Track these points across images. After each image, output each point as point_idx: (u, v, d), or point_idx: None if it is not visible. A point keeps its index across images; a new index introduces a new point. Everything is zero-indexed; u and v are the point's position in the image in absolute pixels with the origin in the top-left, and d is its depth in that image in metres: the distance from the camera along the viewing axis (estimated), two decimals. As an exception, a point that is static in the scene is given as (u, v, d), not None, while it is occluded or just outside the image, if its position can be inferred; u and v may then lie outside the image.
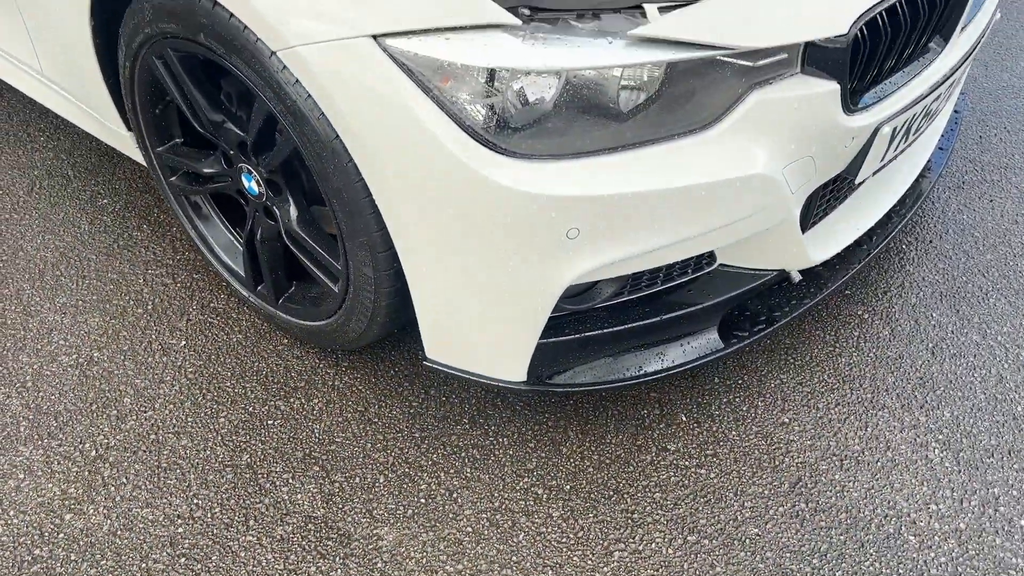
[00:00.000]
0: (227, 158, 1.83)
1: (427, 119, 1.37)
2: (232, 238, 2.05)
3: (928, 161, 2.21)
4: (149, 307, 2.10)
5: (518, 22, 1.33)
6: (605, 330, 1.68)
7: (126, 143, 2.12)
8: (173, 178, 2.00)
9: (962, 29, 1.81)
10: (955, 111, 2.41)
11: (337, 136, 1.46)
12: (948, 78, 1.79)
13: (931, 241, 2.30)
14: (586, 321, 1.69)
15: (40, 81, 2.23)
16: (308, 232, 1.77)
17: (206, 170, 1.89)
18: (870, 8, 1.51)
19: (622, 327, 1.69)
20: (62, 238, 2.27)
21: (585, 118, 1.42)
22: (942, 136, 2.30)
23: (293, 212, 1.77)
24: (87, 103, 2.11)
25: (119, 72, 1.87)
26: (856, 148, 1.67)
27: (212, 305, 2.11)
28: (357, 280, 1.67)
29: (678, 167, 1.46)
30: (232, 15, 1.47)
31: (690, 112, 1.47)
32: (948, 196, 2.44)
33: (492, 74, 1.35)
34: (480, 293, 1.55)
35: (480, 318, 1.59)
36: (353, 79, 1.38)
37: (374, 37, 1.35)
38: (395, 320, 1.74)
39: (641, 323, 1.70)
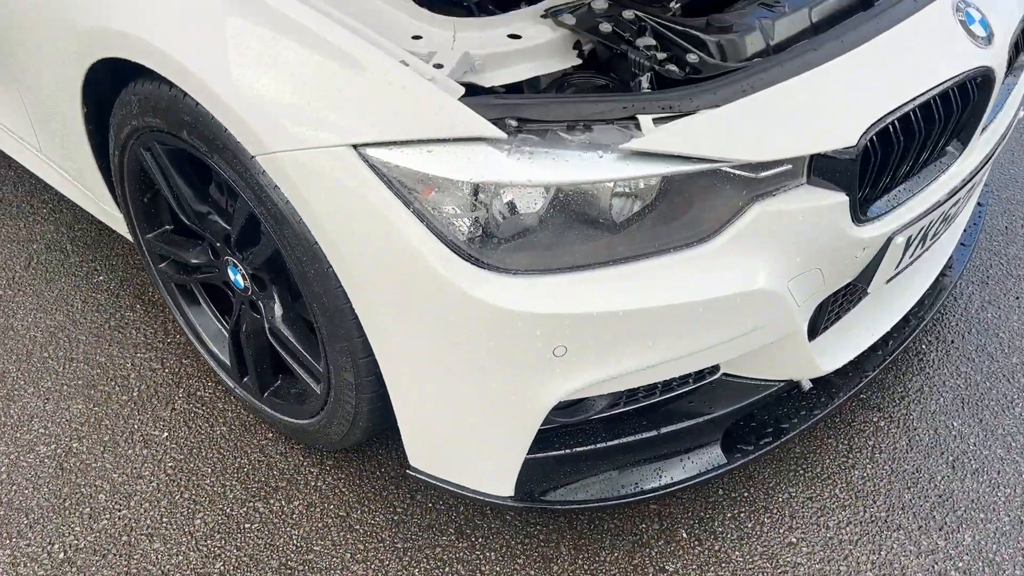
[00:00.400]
0: (214, 249, 1.78)
1: (407, 231, 1.30)
2: (220, 327, 1.99)
3: (949, 258, 2.11)
4: (135, 394, 2.04)
5: (503, 135, 1.27)
6: (599, 445, 1.59)
7: (120, 224, 2.08)
8: (162, 265, 1.95)
9: (982, 130, 1.73)
10: (978, 203, 2.32)
11: (317, 242, 1.40)
12: (968, 182, 1.70)
13: (952, 341, 2.18)
14: (579, 435, 1.59)
15: (39, 157, 2.21)
16: (292, 331, 1.71)
17: (193, 260, 1.84)
18: (881, 118, 1.43)
19: (617, 442, 1.60)
20: (54, 316, 2.23)
21: (574, 231, 1.35)
22: (964, 231, 2.20)
23: (278, 310, 1.70)
24: (82, 183, 2.09)
25: (110, 158, 1.83)
26: (867, 258, 1.58)
27: (199, 394, 2.04)
28: (338, 384, 1.60)
29: (674, 283, 1.38)
30: (214, 116, 1.42)
31: (687, 224, 1.39)
32: (972, 291, 2.32)
33: (476, 187, 1.28)
34: (462, 407, 1.46)
35: (463, 431, 1.51)
36: (333, 187, 1.33)
37: (355, 146, 1.30)
38: (378, 424, 1.66)
39: (638, 437, 1.61)
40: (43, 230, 2.50)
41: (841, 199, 1.44)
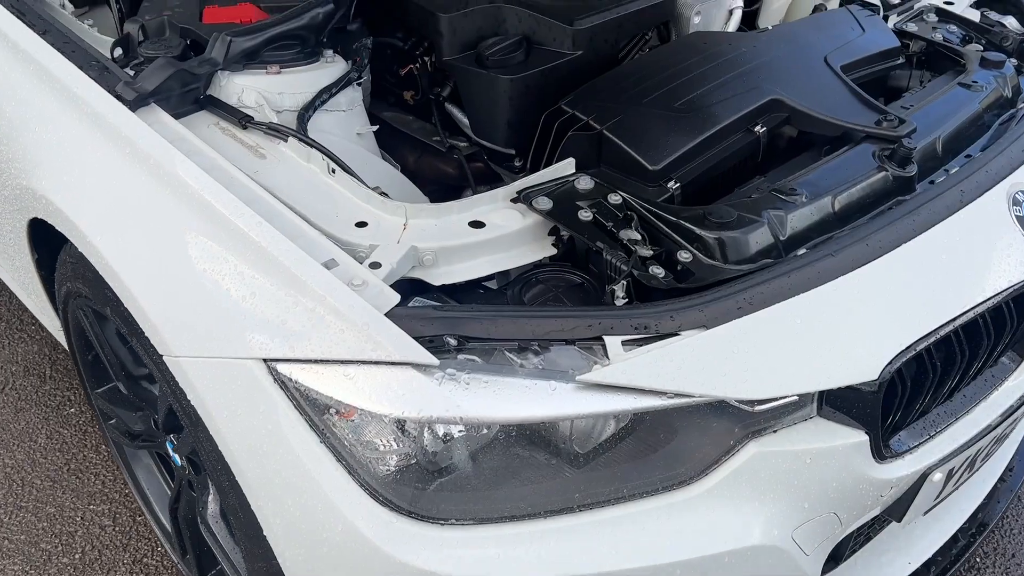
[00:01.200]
0: (154, 419, 1.60)
1: (317, 471, 1.08)
2: (168, 491, 1.80)
3: (1010, 462, 1.80)
4: (77, 556, 1.85)
5: (434, 361, 1.05)
6: None
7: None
8: (111, 422, 1.79)
9: (1046, 334, 1.45)
10: (1048, 386, 2.00)
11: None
12: (1027, 399, 1.42)
13: (1013, 555, 1.85)
14: None
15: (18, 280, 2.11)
16: (223, 530, 1.50)
17: (135, 427, 1.66)
18: (911, 345, 1.18)
19: None
20: (14, 455, 2.08)
21: (522, 471, 1.12)
22: (1029, 424, 1.88)
23: (211, 505, 1.50)
24: (46, 317, 1.96)
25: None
26: (896, 495, 1.31)
27: (145, 560, 1.85)
28: (262, 604, 1.38)
29: (646, 538, 1.13)
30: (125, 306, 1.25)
31: (664, 463, 1.15)
32: (1038, 489, 1.99)
33: (400, 421, 1.07)
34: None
35: None
36: (237, 404, 1.13)
37: (265, 360, 1.10)
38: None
39: None
40: (26, 350, 2.39)
41: (860, 438, 1.18)
